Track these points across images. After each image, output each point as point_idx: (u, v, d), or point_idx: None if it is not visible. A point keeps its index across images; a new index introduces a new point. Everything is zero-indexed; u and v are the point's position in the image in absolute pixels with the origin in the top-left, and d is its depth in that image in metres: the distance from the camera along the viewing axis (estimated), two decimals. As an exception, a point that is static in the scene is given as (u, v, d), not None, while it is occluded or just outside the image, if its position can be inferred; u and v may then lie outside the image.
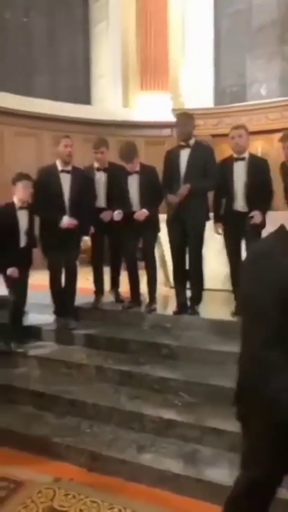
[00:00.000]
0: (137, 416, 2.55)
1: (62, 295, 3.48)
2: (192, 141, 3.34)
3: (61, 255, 3.42)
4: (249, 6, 7.32)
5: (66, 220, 3.35)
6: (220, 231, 3.41)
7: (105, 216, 3.57)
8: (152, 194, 3.43)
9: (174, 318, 3.35)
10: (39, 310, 3.75)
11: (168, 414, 2.51)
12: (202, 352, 2.93)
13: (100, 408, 2.65)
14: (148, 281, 3.57)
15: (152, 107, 7.23)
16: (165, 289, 4.44)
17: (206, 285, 3.61)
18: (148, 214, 3.41)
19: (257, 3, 7.25)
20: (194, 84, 7.31)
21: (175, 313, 3.39)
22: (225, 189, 3.28)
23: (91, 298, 3.77)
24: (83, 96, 7.70)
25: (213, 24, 7.38)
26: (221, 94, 7.51)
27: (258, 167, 3.23)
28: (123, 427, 2.56)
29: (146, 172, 3.47)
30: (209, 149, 3.42)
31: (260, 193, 3.16)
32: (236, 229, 3.24)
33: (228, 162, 3.31)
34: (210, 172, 3.28)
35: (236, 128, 3.28)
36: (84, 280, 3.84)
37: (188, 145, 3.32)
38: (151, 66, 7.39)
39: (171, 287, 4.26)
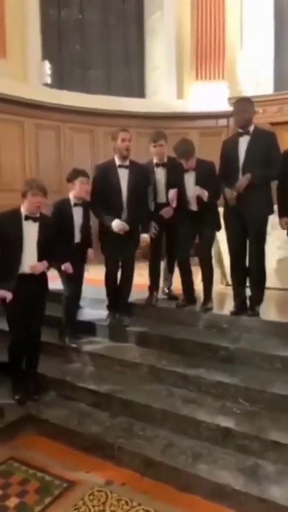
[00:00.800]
0: (192, 422, 2.41)
1: (117, 292, 3.41)
2: (251, 128, 3.09)
3: (119, 252, 3.35)
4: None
5: (116, 225, 3.23)
6: (285, 226, 3.13)
7: (166, 212, 3.45)
8: (209, 190, 3.23)
9: (232, 318, 3.16)
10: (94, 305, 3.75)
11: (226, 422, 2.34)
12: (263, 357, 2.72)
13: (153, 411, 2.55)
14: (203, 278, 3.39)
15: (208, 97, 6.95)
16: (221, 287, 4.24)
17: (267, 283, 3.36)
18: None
19: None
20: (252, 71, 6.91)
21: (233, 313, 3.19)
22: None
23: (144, 294, 3.68)
24: (137, 89, 7.62)
25: (273, 4, 6.91)
26: (281, 79, 7.03)
27: None
28: (177, 432, 2.44)
29: (203, 168, 3.29)
30: (271, 135, 3.14)
31: None
32: None
33: None
34: (274, 160, 3.02)
35: None
36: (138, 276, 3.76)
37: (247, 132, 3.08)
38: (207, 55, 7.10)
39: (227, 284, 4.05)
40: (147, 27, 7.55)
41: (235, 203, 3.06)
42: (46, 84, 6.55)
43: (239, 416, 2.39)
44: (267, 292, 3.41)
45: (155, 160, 3.56)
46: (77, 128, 6.69)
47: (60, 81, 6.91)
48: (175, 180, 3.38)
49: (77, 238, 3.30)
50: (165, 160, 3.54)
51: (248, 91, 6.57)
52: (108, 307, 3.47)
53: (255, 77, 6.89)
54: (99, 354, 3.17)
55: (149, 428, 2.52)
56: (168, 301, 3.64)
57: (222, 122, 6.91)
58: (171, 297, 3.72)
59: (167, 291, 3.80)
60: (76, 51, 7.34)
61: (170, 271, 3.77)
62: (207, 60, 7.11)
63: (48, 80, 6.60)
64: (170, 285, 3.82)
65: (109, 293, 3.42)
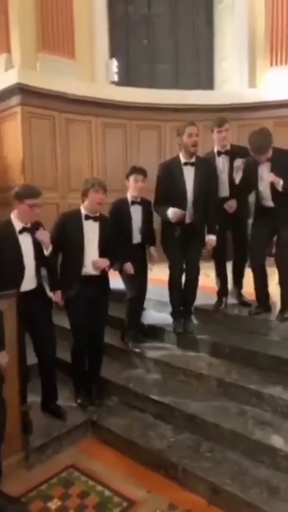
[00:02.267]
0: (267, 448, 2.12)
1: (182, 297, 3.20)
2: None
3: (183, 254, 3.13)
4: None
5: (172, 212, 2.95)
6: None
7: (230, 206, 3.16)
8: (286, 183, 2.86)
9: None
10: (158, 308, 3.58)
11: (309, 454, 2.02)
12: None
13: (223, 431, 2.30)
14: (281, 283, 3.03)
15: (283, 84, 6.40)
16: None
17: None
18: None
19: None
20: None
21: None
22: None
23: (212, 298, 3.41)
24: (206, 81, 7.30)
25: None
26: None
27: None
28: (250, 458, 2.17)
29: (280, 159, 2.92)
30: None
31: None
32: None
33: None
34: None
35: None
36: (203, 277, 3.51)
37: None
38: (282, 39, 6.54)
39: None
40: (216, 16, 7.18)
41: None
42: (113, 82, 6.53)
43: None
44: None
45: (216, 148, 3.27)
46: (144, 124, 6.57)
47: (127, 78, 6.84)
48: (246, 168, 3.06)
49: (136, 238, 3.15)
50: (229, 147, 3.23)
51: None
52: (173, 314, 3.25)
53: None
54: (163, 361, 2.99)
55: (217, 449, 2.28)
56: (240, 308, 3.34)
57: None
58: (242, 302, 3.41)
59: (237, 296, 3.50)
60: (143, 46, 7.22)
61: (240, 273, 3.46)
62: (284, 44, 6.54)
63: (116, 78, 6.57)
64: (241, 288, 3.51)
65: (173, 298, 3.20)
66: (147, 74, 7.20)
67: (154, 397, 2.70)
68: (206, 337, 3.06)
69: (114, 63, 6.59)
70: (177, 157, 3.17)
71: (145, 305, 3.59)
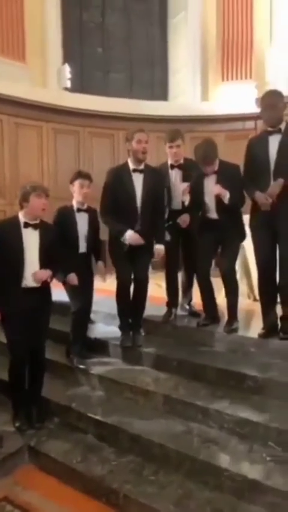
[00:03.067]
0: (212, 468, 2.03)
1: (130, 310, 3.08)
2: (283, 125, 2.70)
3: (131, 265, 3.01)
4: None
5: (130, 236, 2.90)
6: None
7: (183, 221, 3.11)
8: (232, 196, 2.86)
9: (261, 341, 2.75)
10: (108, 321, 3.42)
11: (254, 473, 1.95)
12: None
13: (168, 451, 2.19)
14: (227, 294, 3.00)
15: (234, 98, 6.58)
16: (248, 303, 3.83)
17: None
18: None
19: None
20: (282, 69, 6.48)
21: (261, 336, 2.79)
22: None
23: (161, 309, 3.32)
24: (160, 92, 7.35)
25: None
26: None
27: None
28: (195, 480, 2.06)
29: (226, 172, 2.91)
30: None
31: None
32: None
33: None
34: None
35: None
36: (155, 287, 3.42)
37: (278, 131, 2.69)
38: (233, 54, 6.75)
39: (255, 299, 3.64)
40: (170, 28, 7.29)
41: (269, 209, 2.67)
42: (66, 88, 6.39)
43: (270, 465, 1.99)
44: None
45: (170, 162, 3.23)
46: (97, 132, 6.47)
47: (80, 85, 6.73)
48: (193, 184, 3.03)
49: (82, 247, 3.01)
50: (182, 161, 3.20)
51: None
52: (121, 327, 3.12)
53: (286, 75, 6.46)
54: (109, 377, 2.84)
55: (161, 472, 2.15)
56: (189, 319, 3.28)
57: (250, 124, 6.51)
58: (192, 313, 3.35)
59: (187, 306, 3.44)
60: (98, 54, 7.17)
61: (189, 284, 3.40)
62: (234, 60, 6.75)
63: (68, 84, 6.43)
64: (191, 299, 3.45)
65: (121, 311, 3.07)
66: (101, 82, 7.15)
67: (98, 417, 2.54)
68: (154, 350, 2.95)
69: (67, 69, 6.46)
70: (126, 163, 3.08)
71: (94, 318, 3.44)
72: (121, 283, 3.01)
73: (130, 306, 3.07)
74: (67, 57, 6.52)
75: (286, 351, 2.61)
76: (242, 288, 4.05)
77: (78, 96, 6.29)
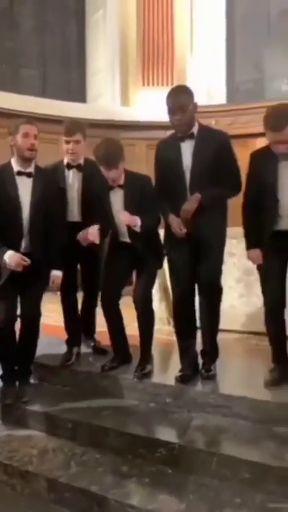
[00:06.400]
0: None
1: (15, 353, 2.35)
2: (195, 128, 2.21)
3: (14, 295, 2.31)
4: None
5: (10, 258, 2.21)
6: (257, 259, 2.20)
7: (83, 238, 2.38)
8: (144, 216, 2.29)
9: (179, 388, 2.21)
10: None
11: None
12: (222, 461, 1.77)
13: None
14: (140, 328, 2.42)
15: (156, 105, 6.20)
16: (166, 331, 3.33)
17: (223, 325, 2.50)
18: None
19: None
20: (203, 79, 6.30)
21: (179, 380, 2.24)
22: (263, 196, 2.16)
23: (60, 347, 2.65)
24: (77, 93, 6.76)
25: (225, 10, 6.40)
26: (235, 90, 6.50)
27: None
28: None
29: (134, 185, 2.34)
30: (223, 136, 2.26)
31: None
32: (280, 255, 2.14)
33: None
34: (229, 171, 2.20)
35: None
36: (47, 319, 2.72)
37: (190, 136, 2.19)
38: (154, 59, 6.41)
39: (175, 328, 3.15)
40: (88, 25, 6.76)
41: (184, 236, 2.17)
42: None
43: None
44: (224, 338, 2.58)
45: (66, 161, 2.59)
46: (3, 132, 5.64)
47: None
48: (97, 193, 2.43)
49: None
50: (81, 161, 2.59)
51: (199, 100, 5.91)
52: (3, 376, 2.37)
53: (206, 85, 6.28)
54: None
55: None
56: (95, 358, 2.64)
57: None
58: (97, 349, 2.72)
59: (92, 343, 2.78)
60: (6, 47, 6.37)
61: (91, 314, 2.77)
62: (155, 65, 6.41)
63: None
64: (94, 332, 2.81)
65: (3, 358, 2.34)
66: (10, 78, 6.36)
67: None
68: (43, 407, 2.25)
69: None
70: (9, 164, 2.39)
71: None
72: (2, 320, 2.28)
73: (15, 348, 2.35)
74: None
75: (208, 403, 2.09)
76: (160, 314, 3.58)
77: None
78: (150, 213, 2.32)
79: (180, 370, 2.28)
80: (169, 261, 2.38)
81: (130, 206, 2.32)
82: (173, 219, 2.18)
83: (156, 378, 2.36)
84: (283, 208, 2.08)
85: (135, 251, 2.38)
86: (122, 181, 2.34)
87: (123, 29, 6.46)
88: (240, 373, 2.55)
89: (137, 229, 2.27)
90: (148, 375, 2.34)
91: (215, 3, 6.33)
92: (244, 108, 5.89)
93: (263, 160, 2.14)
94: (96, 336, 2.76)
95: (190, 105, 2.17)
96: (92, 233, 2.33)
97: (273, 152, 2.08)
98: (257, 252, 2.17)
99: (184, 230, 2.16)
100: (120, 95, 6.45)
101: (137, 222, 2.25)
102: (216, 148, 2.17)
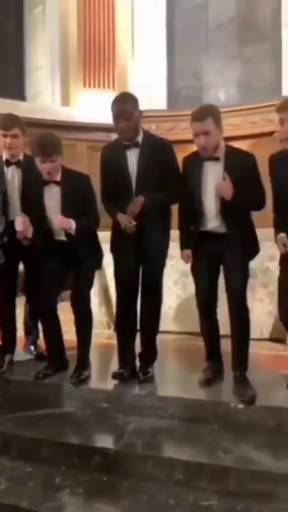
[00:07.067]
0: None
1: None
2: (140, 137, 2.23)
3: None
4: (205, 2, 6.58)
5: None
6: (187, 260, 2.28)
7: (22, 235, 2.31)
8: (81, 217, 2.26)
9: (116, 393, 2.19)
10: None
11: None
12: (157, 462, 1.78)
13: None
14: (77, 332, 2.36)
15: (97, 107, 6.17)
16: (107, 334, 3.31)
17: (162, 327, 2.54)
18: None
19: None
20: (144, 83, 6.39)
21: (115, 376, 2.24)
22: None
23: None
24: (15, 89, 6.50)
25: (165, 18, 6.54)
26: (175, 96, 6.65)
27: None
28: None
29: (71, 183, 2.30)
30: (166, 146, 2.30)
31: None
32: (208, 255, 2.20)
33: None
34: (169, 178, 2.23)
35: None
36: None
37: (135, 145, 2.21)
38: (95, 61, 6.37)
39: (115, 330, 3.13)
40: (27, 21, 6.54)
41: (134, 231, 2.17)
42: None
43: None
44: (163, 339, 2.61)
45: (4, 157, 2.48)
46: None
47: None
48: (30, 186, 2.35)
49: None
50: (21, 157, 2.49)
51: (140, 104, 5.98)
52: None
53: (148, 90, 6.36)
54: None
55: None
56: (34, 365, 2.52)
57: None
58: (38, 356, 2.62)
59: (32, 348, 2.69)
60: None
61: (31, 318, 2.69)
62: (96, 67, 6.37)
63: None
64: (37, 338, 2.72)
65: None
66: None
67: None
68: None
69: None
70: None
71: None
72: None
73: None
74: None
75: (145, 406, 2.09)
76: (101, 317, 3.55)
77: None
78: (89, 213, 2.29)
79: (118, 369, 2.27)
80: (114, 262, 2.36)
81: (67, 205, 2.27)
82: (121, 216, 2.18)
83: (94, 383, 2.32)
84: (207, 209, 2.15)
85: (71, 251, 2.32)
86: (58, 178, 2.28)
87: (64, 27, 6.34)
88: (177, 373, 2.59)
89: (72, 231, 2.22)
90: (85, 380, 2.29)
91: (155, 10, 6.45)
92: (184, 115, 6.01)
93: (190, 163, 2.22)
94: (40, 342, 2.65)
95: (135, 112, 2.19)
96: (18, 223, 2.25)
97: (199, 155, 2.16)
98: (187, 252, 2.23)
99: (134, 222, 2.15)
100: (60, 95, 6.31)
101: (71, 225, 2.20)
102: (160, 156, 2.20)
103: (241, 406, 1.94)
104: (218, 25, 6.55)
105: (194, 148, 2.24)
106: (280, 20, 6.02)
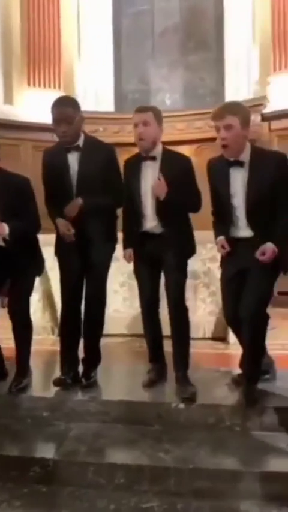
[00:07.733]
0: None
1: None
2: (81, 141, 2.19)
3: None
4: (151, 8, 6.67)
5: None
6: (129, 259, 2.29)
7: None
8: (18, 221, 2.18)
9: (57, 400, 2.13)
10: None
11: None
12: (98, 469, 1.75)
13: None
14: (16, 339, 2.27)
15: (42, 107, 5.99)
16: (52, 339, 3.23)
17: (107, 330, 2.51)
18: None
19: (160, 6, 6.64)
20: (91, 84, 6.35)
21: (56, 383, 2.18)
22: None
23: None
24: None
25: (112, 21, 6.54)
26: (122, 99, 6.67)
27: None
28: None
29: (9, 186, 2.20)
30: (108, 150, 2.28)
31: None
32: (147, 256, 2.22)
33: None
34: (111, 182, 2.22)
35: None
36: None
37: (76, 148, 2.18)
38: (40, 60, 6.21)
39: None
40: None
41: (73, 240, 2.14)
42: None
43: None
44: (108, 342, 2.63)
45: None
46: None
47: None
48: None
49: None
50: None
51: (87, 105, 5.92)
52: None
53: (94, 91, 6.33)
54: None
55: None
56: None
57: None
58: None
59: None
60: None
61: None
62: (41, 66, 6.21)
63: None
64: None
65: None
66: None
67: None
68: None
69: None
70: None
71: None
72: None
73: None
74: None
75: (86, 410, 2.05)
76: (44, 323, 3.46)
77: None
78: (27, 217, 2.21)
79: (61, 375, 2.22)
80: (59, 266, 2.30)
81: (3, 209, 2.17)
82: (60, 222, 2.15)
83: (35, 391, 2.24)
84: (146, 210, 2.17)
85: (9, 255, 2.23)
86: None
87: (6, 23, 6.11)
88: (122, 377, 2.58)
89: (6, 237, 2.14)
90: (24, 389, 2.20)
91: (101, 12, 6.43)
92: (131, 118, 6.09)
93: (131, 164, 2.24)
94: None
95: (76, 117, 2.14)
96: None
97: (140, 156, 2.18)
98: (129, 252, 2.24)
99: (72, 231, 2.12)
100: (3, 92, 6.07)
101: (4, 230, 2.12)
102: (101, 161, 2.18)
103: (182, 406, 1.97)
104: (164, 31, 6.67)
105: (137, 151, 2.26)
106: (223, 29, 6.26)
